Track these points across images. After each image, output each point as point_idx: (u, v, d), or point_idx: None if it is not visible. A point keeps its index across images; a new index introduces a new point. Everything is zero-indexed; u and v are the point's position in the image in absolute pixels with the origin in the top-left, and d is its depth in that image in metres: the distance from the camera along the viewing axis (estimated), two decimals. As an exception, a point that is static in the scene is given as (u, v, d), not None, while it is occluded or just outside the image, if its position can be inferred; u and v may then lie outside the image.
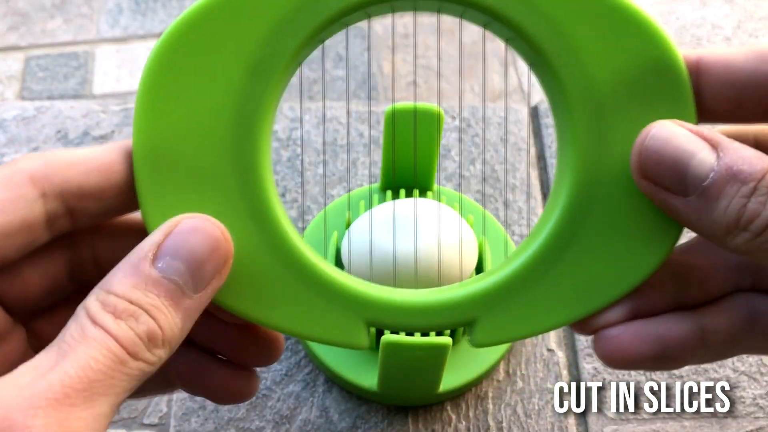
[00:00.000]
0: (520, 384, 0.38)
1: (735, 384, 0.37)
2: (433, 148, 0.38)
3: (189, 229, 0.21)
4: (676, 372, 0.38)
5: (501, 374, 0.38)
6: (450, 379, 0.36)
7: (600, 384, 0.38)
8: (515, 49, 0.24)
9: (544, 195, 0.45)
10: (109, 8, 0.79)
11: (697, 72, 0.22)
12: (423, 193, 0.40)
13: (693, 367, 0.38)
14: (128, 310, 0.20)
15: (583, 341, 0.39)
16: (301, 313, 0.23)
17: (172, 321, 0.20)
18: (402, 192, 0.40)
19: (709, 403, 0.37)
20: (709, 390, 0.37)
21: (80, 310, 0.20)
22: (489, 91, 0.98)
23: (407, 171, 0.39)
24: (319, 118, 0.47)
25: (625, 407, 0.37)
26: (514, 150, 0.46)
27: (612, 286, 0.23)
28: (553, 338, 0.39)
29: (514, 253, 0.24)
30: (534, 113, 0.48)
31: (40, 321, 0.24)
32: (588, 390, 0.37)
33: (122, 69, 0.75)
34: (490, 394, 0.37)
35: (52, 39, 0.74)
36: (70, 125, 0.47)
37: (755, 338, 0.24)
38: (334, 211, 0.41)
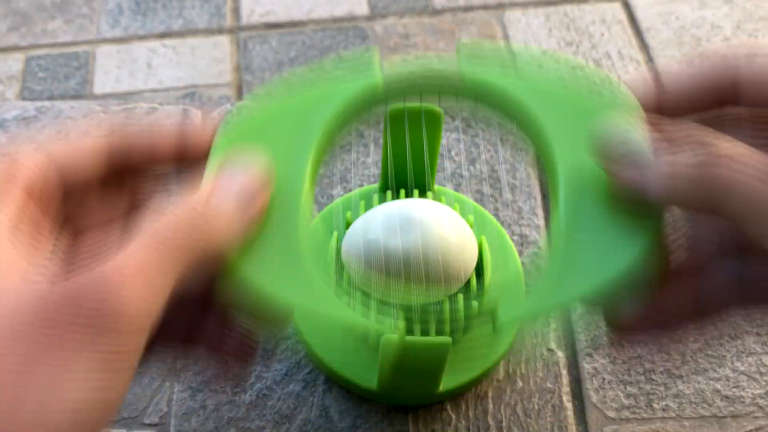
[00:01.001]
0: (519, 384, 0.38)
1: (734, 384, 0.37)
2: (434, 148, 0.38)
3: (234, 171, 0.27)
4: (675, 372, 0.38)
5: (501, 374, 0.38)
6: (450, 379, 0.36)
7: (600, 384, 0.38)
8: (504, 117, 0.30)
9: (544, 195, 0.45)
10: (109, 9, 0.80)
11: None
12: (422, 193, 0.40)
13: (693, 367, 0.38)
14: (186, 233, 0.24)
15: (583, 341, 0.39)
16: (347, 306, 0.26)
17: (227, 238, 0.25)
18: (402, 192, 0.40)
19: (708, 402, 0.37)
20: (708, 390, 0.37)
21: (147, 218, 0.24)
22: (489, 91, 0.98)
23: (407, 171, 0.39)
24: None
25: (625, 407, 0.37)
26: (514, 150, 0.46)
27: (603, 272, 0.26)
28: (552, 338, 0.39)
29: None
30: (534, 113, 0.48)
31: None
32: (588, 390, 0.38)
33: (123, 69, 0.75)
34: (490, 394, 0.37)
35: (53, 39, 0.74)
36: (71, 125, 0.47)
37: (742, 291, 0.28)
38: (334, 211, 0.41)
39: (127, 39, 0.80)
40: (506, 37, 0.99)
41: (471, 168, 0.45)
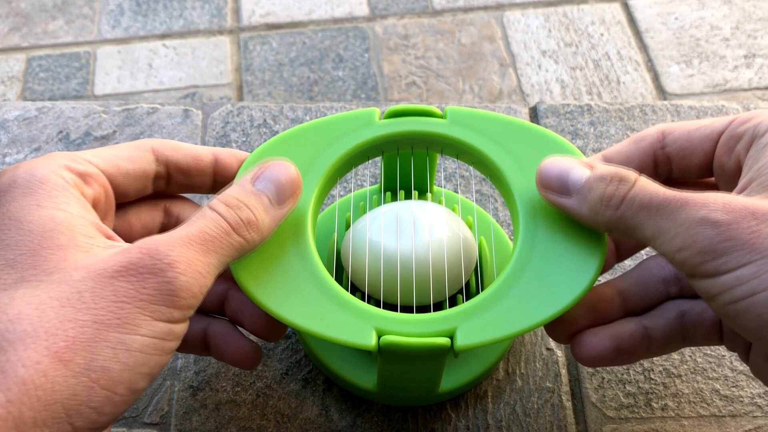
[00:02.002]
0: (519, 383, 0.38)
1: (733, 383, 0.38)
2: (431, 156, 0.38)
3: (276, 165, 0.32)
4: (674, 371, 0.38)
5: (500, 373, 0.38)
6: (450, 379, 0.36)
7: (599, 383, 0.38)
8: (479, 170, 0.36)
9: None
10: (110, 9, 0.80)
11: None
12: (422, 194, 0.40)
13: (691, 366, 0.38)
14: (236, 203, 0.30)
15: (582, 341, 0.39)
16: (327, 322, 0.30)
17: (263, 217, 0.30)
18: (401, 193, 0.40)
19: (707, 402, 0.37)
20: (707, 389, 0.37)
21: (203, 207, 0.30)
22: (488, 91, 0.98)
23: (407, 172, 0.39)
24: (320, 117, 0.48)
25: (624, 406, 0.37)
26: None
27: (560, 298, 0.31)
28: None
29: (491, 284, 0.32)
30: (533, 113, 0.48)
31: None
32: (587, 389, 0.38)
33: (123, 70, 0.75)
34: (490, 393, 0.38)
35: (54, 40, 0.74)
36: (72, 126, 0.47)
37: (688, 332, 0.33)
38: (334, 212, 0.41)
39: (128, 39, 0.80)
40: (506, 37, 0.99)
41: (471, 169, 0.45)
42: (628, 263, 0.41)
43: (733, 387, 0.38)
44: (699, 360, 0.38)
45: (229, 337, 0.33)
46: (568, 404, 0.37)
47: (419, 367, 0.33)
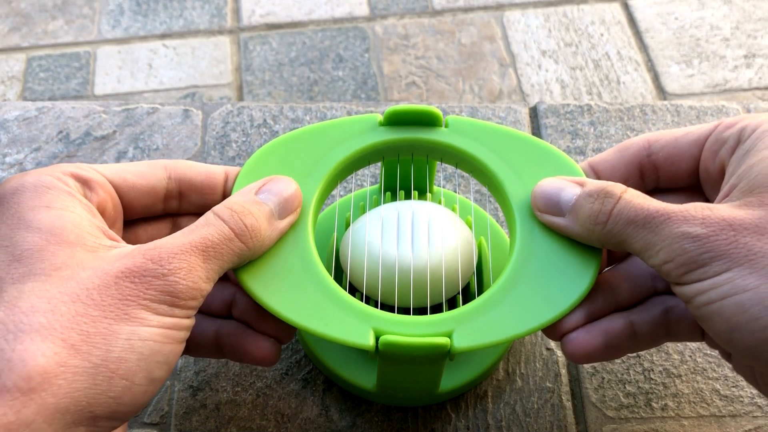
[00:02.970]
0: (519, 383, 0.38)
1: (733, 383, 0.38)
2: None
3: (280, 179, 0.33)
4: (674, 371, 0.38)
5: (500, 373, 0.38)
6: (450, 379, 0.36)
7: (599, 383, 0.38)
8: (477, 179, 0.36)
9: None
10: (110, 9, 0.80)
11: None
12: (422, 195, 0.40)
13: (691, 366, 0.38)
14: (241, 209, 0.30)
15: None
16: (326, 321, 0.31)
17: (266, 226, 0.31)
18: (401, 193, 0.40)
19: (707, 402, 0.37)
20: (707, 389, 0.37)
21: (208, 213, 0.30)
22: (488, 91, 0.98)
23: (407, 175, 0.39)
24: (320, 118, 0.48)
25: (624, 406, 0.37)
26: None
27: (555, 305, 0.31)
28: (552, 338, 0.39)
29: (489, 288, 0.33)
30: (533, 113, 0.48)
31: None
32: (587, 389, 0.38)
33: (123, 70, 0.75)
34: (490, 393, 0.38)
35: (54, 40, 0.74)
36: (72, 126, 0.47)
37: (672, 327, 0.33)
38: (334, 211, 0.41)
39: (128, 39, 0.80)
40: (506, 37, 0.99)
41: (471, 168, 0.45)
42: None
43: (733, 387, 0.38)
44: (699, 360, 0.38)
45: (244, 337, 0.34)
46: (568, 404, 0.37)
47: (418, 368, 0.33)
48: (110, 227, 0.32)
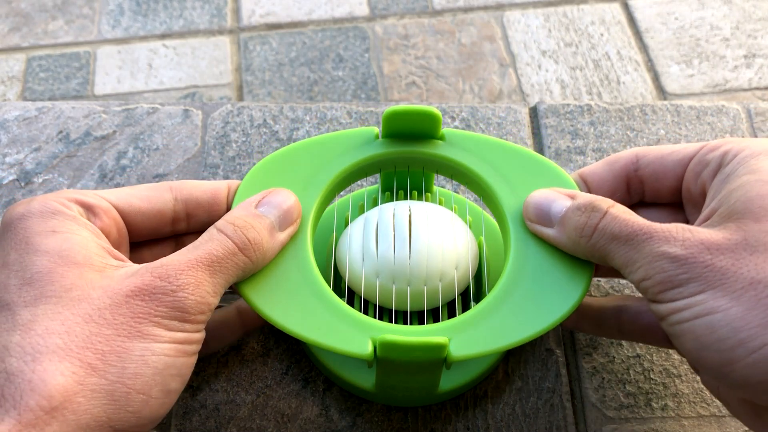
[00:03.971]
0: (518, 383, 0.38)
1: (733, 383, 0.38)
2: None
3: (279, 192, 0.34)
4: (674, 371, 0.38)
5: (500, 374, 0.38)
6: (449, 379, 0.36)
7: (599, 383, 0.38)
8: (472, 190, 0.37)
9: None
10: (110, 9, 0.80)
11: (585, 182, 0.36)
12: (421, 195, 0.40)
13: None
14: (243, 224, 0.31)
15: (582, 340, 0.39)
16: (325, 331, 0.32)
17: (267, 239, 0.32)
18: (401, 193, 0.40)
19: (707, 402, 0.37)
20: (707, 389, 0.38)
21: (210, 228, 0.31)
22: (488, 91, 0.98)
23: (403, 181, 0.39)
24: (320, 118, 0.48)
25: (624, 406, 0.37)
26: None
27: (549, 314, 0.32)
28: (552, 338, 0.39)
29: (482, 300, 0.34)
30: (533, 113, 0.48)
31: None
32: (587, 389, 0.38)
33: (123, 70, 0.75)
34: (489, 394, 0.38)
35: (54, 40, 0.74)
36: (72, 126, 0.47)
37: (624, 326, 0.35)
38: (332, 212, 0.41)
39: (128, 39, 0.80)
40: (506, 37, 0.99)
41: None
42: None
43: (733, 387, 0.38)
44: (699, 360, 0.38)
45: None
46: (568, 404, 0.37)
47: (416, 377, 0.33)
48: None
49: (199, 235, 0.35)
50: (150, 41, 0.81)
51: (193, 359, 0.30)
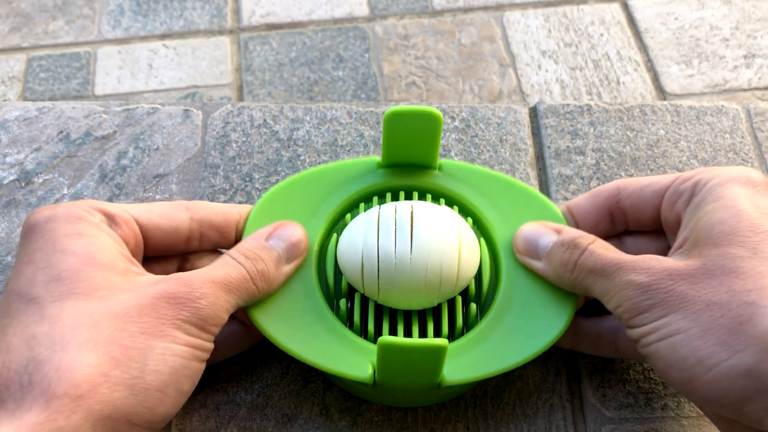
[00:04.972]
0: (518, 383, 0.38)
1: (732, 383, 0.38)
2: (433, 150, 0.38)
3: (289, 225, 0.36)
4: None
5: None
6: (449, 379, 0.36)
7: (599, 383, 0.38)
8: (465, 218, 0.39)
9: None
10: (110, 9, 0.80)
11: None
12: (422, 195, 0.40)
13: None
14: (253, 255, 0.34)
15: (582, 340, 0.39)
16: (329, 357, 0.34)
17: (274, 271, 0.34)
18: (401, 194, 0.40)
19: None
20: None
21: (225, 255, 0.34)
22: (488, 91, 0.98)
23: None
24: (320, 118, 0.48)
25: (624, 406, 0.37)
26: (513, 150, 0.46)
27: (535, 342, 0.34)
28: (551, 337, 0.39)
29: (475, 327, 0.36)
30: (533, 113, 0.48)
31: None
32: (586, 389, 0.38)
33: (124, 70, 0.75)
34: (489, 394, 0.38)
35: (54, 40, 0.74)
36: (72, 126, 0.47)
37: (619, 344, 0.37)
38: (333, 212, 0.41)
39: (129, 40, 0.80)
40: (506, 37, 0.99)
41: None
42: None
43: (733, 387, 0.38)
44: (698, 360, 0.38)
45: None
46: (568, 404, 0.37)
47: (417, 366, 0.33)
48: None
49: (205, 254, 0.37)
50: (150, 41, 0.81)
51: (203, 366, 0.31)
